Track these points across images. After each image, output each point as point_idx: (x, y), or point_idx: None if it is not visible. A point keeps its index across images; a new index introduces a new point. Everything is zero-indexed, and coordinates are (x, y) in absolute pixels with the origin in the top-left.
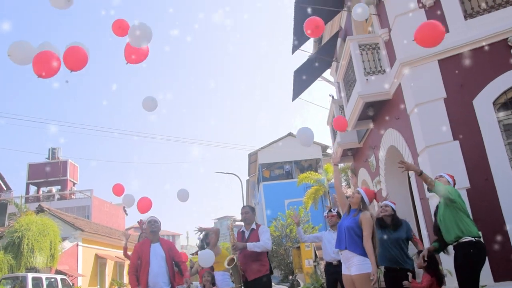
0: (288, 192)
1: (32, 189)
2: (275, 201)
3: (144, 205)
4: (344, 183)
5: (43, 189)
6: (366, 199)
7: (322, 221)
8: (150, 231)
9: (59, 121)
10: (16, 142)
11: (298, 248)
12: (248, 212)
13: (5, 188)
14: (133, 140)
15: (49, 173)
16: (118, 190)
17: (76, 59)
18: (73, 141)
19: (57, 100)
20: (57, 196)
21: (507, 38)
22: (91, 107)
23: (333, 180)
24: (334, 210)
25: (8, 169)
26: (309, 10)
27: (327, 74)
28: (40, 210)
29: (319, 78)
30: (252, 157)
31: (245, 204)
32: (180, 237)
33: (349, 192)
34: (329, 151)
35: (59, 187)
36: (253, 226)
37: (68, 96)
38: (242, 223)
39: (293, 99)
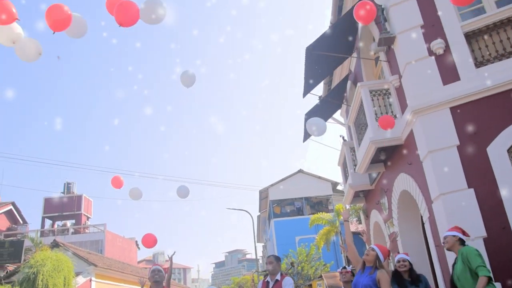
0: (299, 228)
1: (48, 222)
2: (286, 237)
3: (149, 240)
4: (355, 218)
5: (58, 223)
6: (381, 256)
7: (333, 258)
8: (153, 281)
9: (78, 163)
10: (33, 178)
11: (310, 286)
12: (273, 262)
13: (21, 222)
14: (144, 180)
15: (64, 207)
16: (117, 183)
17: (58, 18)
18: (85, 177)
19: (70, 141)
20: (71, 230)
21: None
22: (102, 147)
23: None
24: (348, 267)
25: (26, 202)
26: (319, 55)
27: (337, 114)
28: (55, 245)
29: (329, 120)
30: (263, 194)
31: (256, 240)
32: (191, 271)
33: (359, 228)
34: (339, 187)
35: (73, 221)
36: (278, 277)
37: (82, 137)
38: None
39: (304, 140)
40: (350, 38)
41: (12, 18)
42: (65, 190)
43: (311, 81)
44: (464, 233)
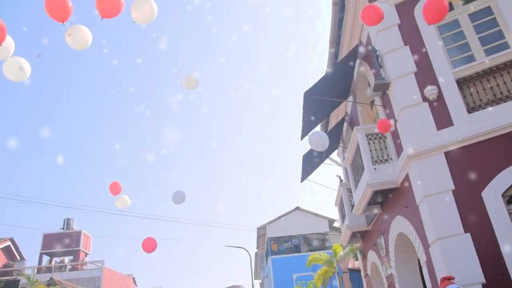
0: (296, 266)
1: (45, 258)
2: (283, 275)
3: (149, 245)
4: (351, 255)
5: (56, 259)
6: None
7: None
8: None
9: (78, 204)
10: (33, 215)
11: None
12: None
13: (18, 258)
14: (141, 220)
15: (62, 243)
16: (115, 189)
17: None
18: (86, 214)
19: (71, 178)
20: (68, 267)
21: (511, 132)
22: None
23: (341, 259)
24: None
25: (25, 238)
26: (317, 99)
27: (334, 155)
28: (51, 282)
29: (326, 160)
30: (261, 231)
31: (254, 277)
32: None
33: (356, 264)
34: (336, 224)
35: (71, 257)
36: None
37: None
38: None
39: (302, 180)
40: (347, 83)
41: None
42: (65, 226)
43: (309, 121)
44: (449, 279)
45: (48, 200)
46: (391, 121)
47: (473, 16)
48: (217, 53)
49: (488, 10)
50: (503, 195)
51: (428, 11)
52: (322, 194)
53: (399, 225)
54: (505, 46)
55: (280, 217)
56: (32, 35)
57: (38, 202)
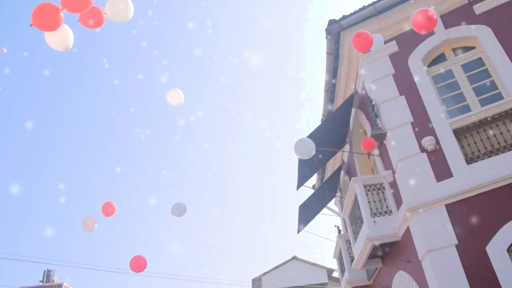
0: None
1: None
2: None
3: (138, 263)
4: None
5: None
6: None
7: None
8: None
9: (64, 261)
10: (11, 270)
11: None
12: None
13: None
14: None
15: None
16: (107, 210)
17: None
18: (68, 267)
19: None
20: None
21: (511, 183)
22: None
23: None
24: None
25: None
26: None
27: (331, 204)
28: None
29: (323, 210)
30: (256, 283)
31: None
32: None
33: None
34: (335, 274)
35: None
36: None
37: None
38: None
39: (298, 231)
40: (343, 132)
41: None
42: (44, 279)
43: (305, 172)
44: None
45: (27, 256)
46: (389, 172)
47: (465, 67)
48: (217, 72)
49: (479, 61)
50: (508, 250)
51: (417, 22)
52: (320, 242)
53: (402, 280)
54: (499, 96)
55: (276, 267)
56: (31, 60)
57: (16, 259)
